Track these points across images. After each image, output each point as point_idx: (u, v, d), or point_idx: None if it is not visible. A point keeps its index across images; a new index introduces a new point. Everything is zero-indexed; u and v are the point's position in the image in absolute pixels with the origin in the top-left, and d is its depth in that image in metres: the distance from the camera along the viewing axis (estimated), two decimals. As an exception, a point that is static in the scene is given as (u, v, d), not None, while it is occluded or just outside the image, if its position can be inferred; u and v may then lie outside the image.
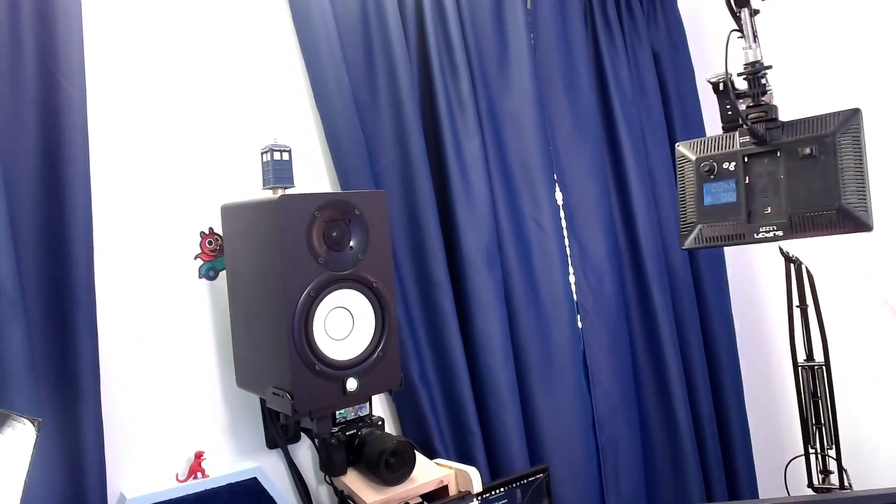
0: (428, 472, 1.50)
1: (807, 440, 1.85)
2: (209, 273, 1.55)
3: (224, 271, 1.53)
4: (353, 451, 1.47)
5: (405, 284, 1.74)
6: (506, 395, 1.78)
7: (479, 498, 1.51)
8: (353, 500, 1.46)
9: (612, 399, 1.99)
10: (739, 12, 1.18)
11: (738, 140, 1.21)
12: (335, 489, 1.53)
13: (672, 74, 2.27)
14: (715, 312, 2.26)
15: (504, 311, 1.83)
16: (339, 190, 1.70)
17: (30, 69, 1.29)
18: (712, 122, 2.21)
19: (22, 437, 0.93)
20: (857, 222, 1.08)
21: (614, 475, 1.98)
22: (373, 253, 1.36)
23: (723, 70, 1.18)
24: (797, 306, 1.84)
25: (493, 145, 1.88)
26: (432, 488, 1.48)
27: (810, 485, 1.86)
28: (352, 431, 1.48)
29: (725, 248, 2.32)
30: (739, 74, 1.21)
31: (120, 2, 1.48)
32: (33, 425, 0.93)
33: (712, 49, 2.36)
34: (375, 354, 1.37)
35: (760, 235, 1.18)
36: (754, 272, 2.37)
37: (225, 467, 1.50)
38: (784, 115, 1.21)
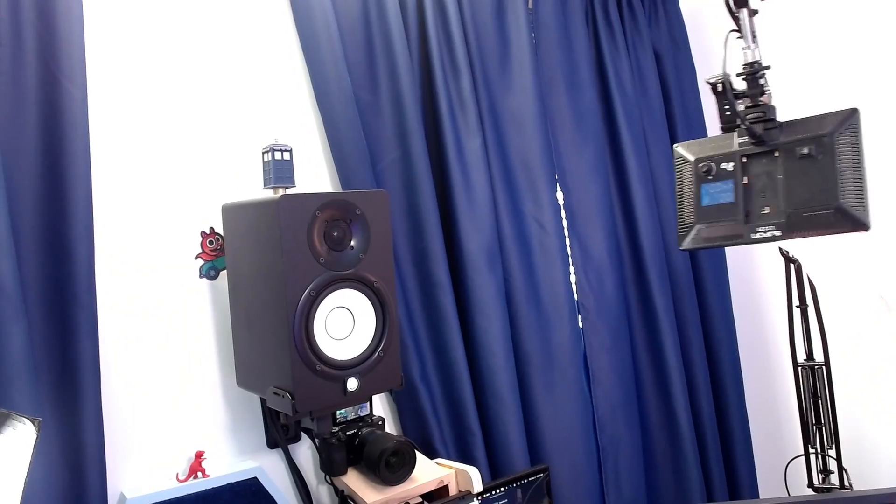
0: (428, 471, 1.50)
1: (807, 440, 1.85)
2: (210, 273, 1.55)
3: (225, 271, 1.53)
4: (353, 450, 1.47)
5: (406, 284, 1.74)
6: (506, 394, 1.78)
7: (480, 498, 1.51)
8: (353, 500, 1.46)
9: (612, 399, 1.99)
10: (738, 13, 1.18)
11: (737, 140, 1.21)
12: (335, 489, 1.53)
13: (674, 74, 2.27)
14: (716, 312, 2.26)
15: (505, 310, 1.83)
16: (340, 189, 1.70)
17: (31, 69, 1.29)
18: (714, 122, 2.20)
19: (22, 436, 0.93)
20: (854, 222, 1.08)
21: (615, 475, 1.98)
22: (374, 253, 1.36)
23: (723, 70, 1.18)
24: (797, 306, 1.84)
25: (494, 145, 1.88)
26: (433, 488, 1.48)
27: (810, 484, 1.86)
28: (352, 431, 1.48)
29: (726, 248, 2.32)
30: (738, 75, 1.21)
31: (121, 2, 1.48)
32: (33, 425, 0.93)
33: (714, 49, 2.36)
34: (376, 354, 1.37)
35: (758, 235, 1.18)
36: (755, 272, 2.37)
37: (225, 467, 1.50)
38: (783, 115, 1.21)
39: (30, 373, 1.22)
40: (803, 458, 1.86)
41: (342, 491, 1.49)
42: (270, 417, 1.53)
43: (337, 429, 1.47)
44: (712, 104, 1.32)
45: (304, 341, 1.27)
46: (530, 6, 1.98)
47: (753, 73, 1.17)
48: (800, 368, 1.84)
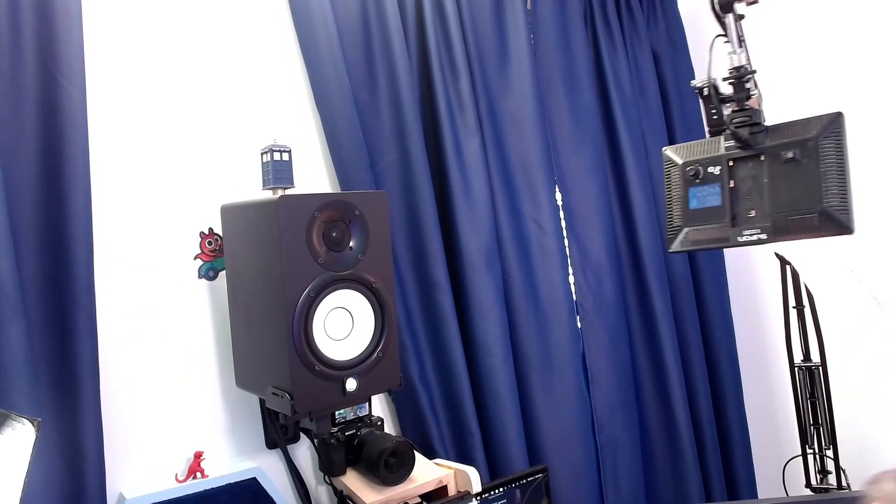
0: (427, 472, 1.50)
1: (804, 440, 1.85)
2: (209, 273, 1.55)
3: (224, 271, 1.53)
4: (352, 451, 1.47)
5: (405, 285, 1.74)
6: (505, 395, 1.79)
7: (479, 498, 1.51)
8: (352, 501, 1.46)
9: (611, 399, 1.99)
10: (725, 17, 1.19)
11: (724, 144, 1.22)
12: (334, 489, 1.53)
13: (672, 75, 2.27)
14: (714, 313, 2.27)
15: (504, 311, 1.83)
16: (339, 190, 1.70)
17: (30, 69, 1.29)
18: (712, 123, 2.21)
19: (21, 436, 0.93)
20: (838, 225, 1.09)
21: (613, 475, 1.98)
22: (372, 253, 1.36)
23: (715, 74, 1.19)
24: (793, 307, 1.84)
25: (492, 145, 1.88)
26: (431, 488, 1.48)
27: (808, 484, 1.86)
28: (351, 431, 1.48)
29: (725, 250, 2.32)
30: (725, 79, 1.21)
31: (120, 2, 1.48)
32: (33, 425, 0.93)
33: (715, 49, 2.36)
34: (375, 355, 1.37)
35: (744, 239, 1.19)
36: (754, 273, 2.37)
37: (224, 467, 1.51)
38: (773, 119, 1.22)
39: (29, 373, 1.22)
40: (801, 458, 1.86)
41: (341, 491, 1.49)
42: (269, 418, 1.54)
43: (336, 429, 1.47)
44: (709, 105, 1.32)
45: (303, 342, 1.27)
46: (529, 7, 1.98)
47: (740, 77, 1.18)
48: (797, 369, 1.84)
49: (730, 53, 1.20)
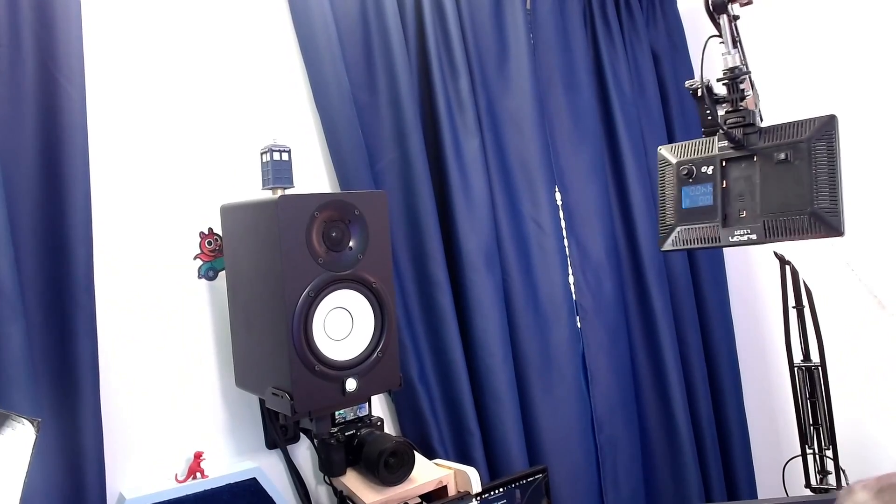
0: (427, 472, 1.50)
1: (804, 440, 1.85)
2: (208, 273, 1.55)
3: (223, 271, 1.53)
4: (352, 451, 1.47)
5: (404, 284, 1.74)
6: (505, 395, 1.79)
7: (478, 498, 1.51)
8: (352, 501, 1.46)
9: (611, 399, 1.99)
10: (719, 18, 1.19)
11: (717, 144, 1.23)
12: (334, 489, 1.53)
13: (671, 75, 2.27)
14: (714, 313, 2.27)
15: (503, 311, 1.83)
16: (338, 190, 1.70)
17: (29, 69, 1.29)
18: (711, 123, 2.21)
19: (21, 437, 0.93)
20: (828, 227, 1.10)
21: (613, 475, 1.98)
22: (372, 253, 1.36)
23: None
24: (793, 307, 1.84)
25: (492, 145, 1.88)
26: (431, 488, 1.48)
27: (808, 485, 1.86)
28: (351, 432, 1.48)
29: (725, 249, 2.32)
30: (719, 80, 1.22)
31: (120, 2, 1.48)
32: (33, 425, 0.93)
33: (712, 49, 2.36)
34: (375, 355, 1.37)
35: (735, 239, 1.20)
36: (754, 273, 2.37)
37: (224, 468, 1.50)
38: (768, 120, 1.22)
39: (28, 373, 1.22)
40: (801, 458, 1.86)
41: (341, 491, 1.49)
42: (269, 418, 1.53)
43: (336, 429, 1.47)
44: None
45: (303, 342, 1.27)
46: (528, 7, 1.98)
47: (734, 77, 1.18)
48: (796, 369, 1.84)
49: (724, 54, 1.20)
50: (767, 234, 1.16)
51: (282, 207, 1.25)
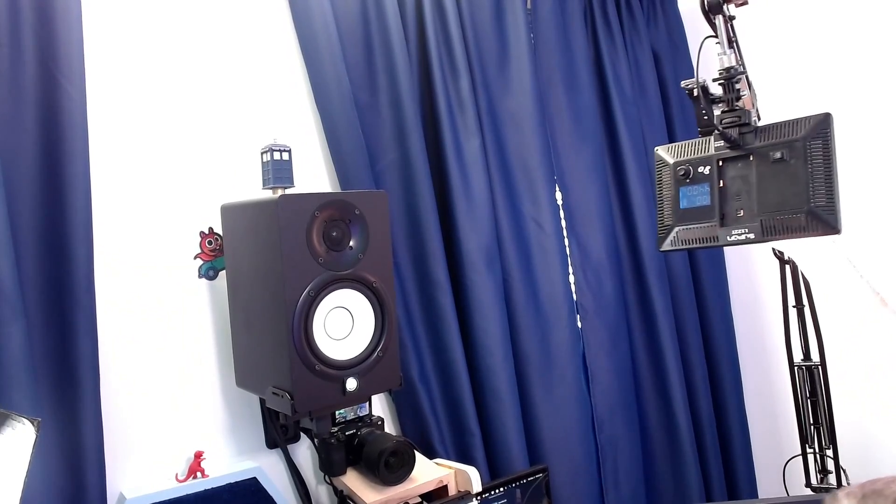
0: (427, 471, 1.50)
1: (804, 440, 1.85)
2: (209, 273, 1.55)
3: (224, 271, 1.53)
4: (352, 450, 1.47)
5: (405, 284, 1.74)
6: (505, 394, 1.79)
7: (479, 498, 1.51)
8: (352, 500, 1.46)
9: (611, 399, 1.99)
10: (714, 18, 1.19)
11: (714, 144, 1.23)
12: (335, 489, 1.53)
13: (672, 74, 2.27)
14: (714, 312, 2.27)
15: (504, 310, 1.83)
16: (339, 190, 1.70)
17: (30, 69, 1.29)
18: (712, 122, 2.21)
19: (21, 436, 0.93)
20: (825, 225, 1.10)
21: (614, 475, 1.98)
22: (372, 253, 1.36)
23: (695, 76, 1.20)
24: (793, 306, 1.84)
25: (492, 145, 1.88)
26: (432, 488, 1.48)
27: (809, 484, 1.86)
28: (351, 431, 1.48)
29: (725, 249, 2.32)
30: (715, 80, 1.22)
31: (120, 2, 1.48)
32: (33, 425, 0.93)
33: (712, 49, 2.36)
34: (375, 354, 1.37)
35: (733, 238, 1.20)
36: (754, 272, 2.37)
37: (224, 467, 1.51)
38: (765, 119, 1.22)
39: (29, 373, 1.22)
40: (801, 457, 1.86)
41: (341, 491, 1.49)
42: (269, 417, 1.53)
43: (336, 429, 1.47)
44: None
45: (303, 341, 1.27)
46: (529, 7, 1.98)
47: (730, 77, 1.19)
48: (796, 369, 1.84)
49: (719, 54, 1.21)
50: (765, 233, 1.16)
51: (282, 207, 1.25)
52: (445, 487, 1.50)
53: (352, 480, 1.47)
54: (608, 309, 2.01)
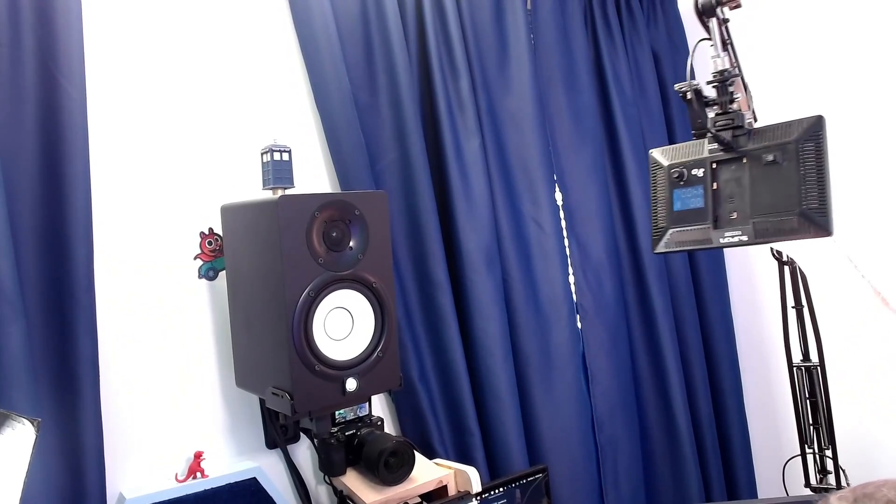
0: (427, 472, 1.51)
1: (803, 440, 1.85)
2: (209, 273, 1.55)
3: (224, 271, 1.53)
4: (352, 451, 1.47)
5: (405, 284, 1.74)
6: (505, 395, 1.79)
7: (479, 498, 1.51)
8: (352, 500, 1.46)
9: (611, 399, 1.99)
10: (708, 21, 1.19)
11: (707, 147, 1.24)
12: (334, 489, 1.53)
13: (672, 74, 2.27)
14: (714, 313, 2.27)
15: (503, 311, 1.83)
16: (338, 190, 1.70)
17: (30, 69, 1.29)
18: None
19: (21, 437, 0.93)
20: (817, 227, 1.11)
21: (613, 475, 1.98)
22: (372, 253, 1.37)
23: (688, 78, 1.20)
24: (792, 307, 1.84)
25: (492, 145, 1.88)
26: (431, 488, 1.48)
27: (808, 484, 1.86)
28: (351, 431, 1.49)
29: (725, 249, 2.32)
30: (709, 83, 1.22)
31: (120, 2, 1.48)
32: (33, 425, 0.93)
33: (708, 51, 2.37)
34: (375, 354, 1.37)
35: (726, 240, 1.20)
36: (754, 272, 2.37)
37: (224, 467, 1.51)
38: (760, 121, 1.22)
39: (29, 373, 1.22)
40: (800, 458, 1.86)
41: (341, 491, 1.49)
42: (269, 418, 1.54)
43: (336, 429, 1.47)
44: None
45: (303, 342, 1.27)
46: (529, 7, 1.98)
47: (723, 80, 1.19)
48: (796, 369, 1.84)
49: (713, 57, 1.21)
50: (758, 235, 1.16)
51: (282, 207, 1.25)
52: (445, 487, 1.51)
53: (351, 480, 1.47)
54: (608, 309, 2.01)
